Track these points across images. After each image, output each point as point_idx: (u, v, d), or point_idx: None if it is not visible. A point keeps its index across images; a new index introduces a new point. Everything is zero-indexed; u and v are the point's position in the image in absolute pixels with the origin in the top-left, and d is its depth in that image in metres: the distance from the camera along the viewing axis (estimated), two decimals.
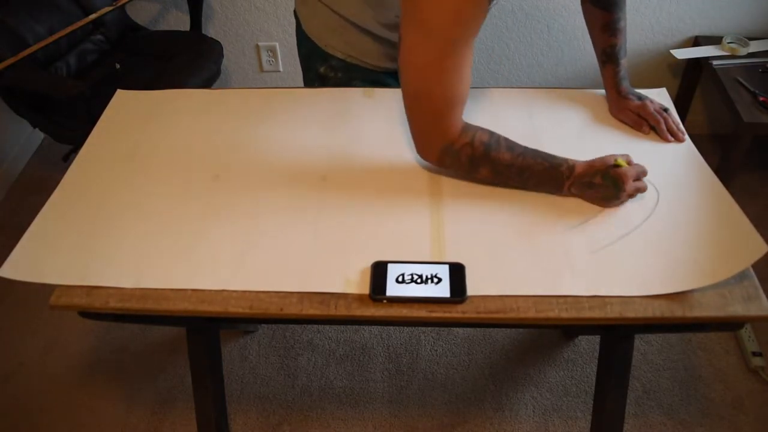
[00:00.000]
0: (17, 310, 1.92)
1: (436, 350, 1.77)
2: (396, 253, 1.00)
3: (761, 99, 1.94)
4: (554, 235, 1.03)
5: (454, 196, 1.11)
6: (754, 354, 1.69)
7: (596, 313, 0.92)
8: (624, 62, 1.26)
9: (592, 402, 1.29)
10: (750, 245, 0.97)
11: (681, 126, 1.22)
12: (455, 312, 0.92)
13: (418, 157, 1.14)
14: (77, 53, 2.14)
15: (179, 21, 2.42)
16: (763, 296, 0.92)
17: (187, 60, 2.16)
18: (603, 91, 1.33)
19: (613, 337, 1.15)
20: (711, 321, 0.93)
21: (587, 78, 2.44)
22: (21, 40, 1.95)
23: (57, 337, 1.84)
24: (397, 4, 0.97)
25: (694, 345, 1.75)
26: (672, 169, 1.15)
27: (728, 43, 2.17)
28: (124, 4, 2.23)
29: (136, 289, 0.97)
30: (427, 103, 1.01)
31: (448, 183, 1.13)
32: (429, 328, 1.81)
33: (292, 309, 0.94)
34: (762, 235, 0.99)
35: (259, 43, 2.46)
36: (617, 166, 1.04)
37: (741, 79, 2.03)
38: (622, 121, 1.26)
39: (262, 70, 2.54)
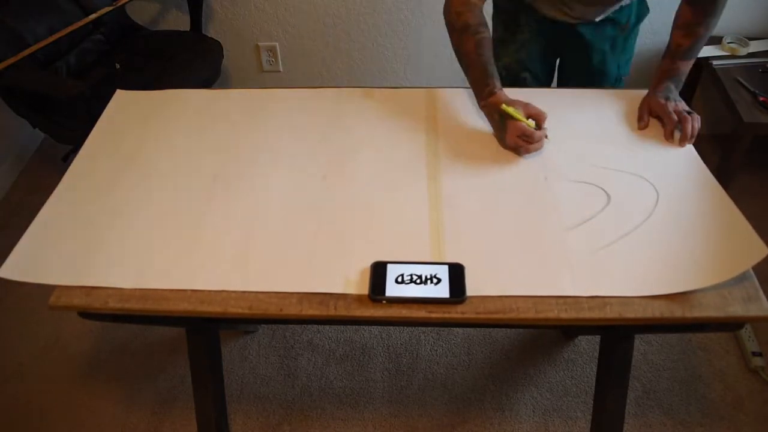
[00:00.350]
0: (17, 310, 1.92)
1: (436, 350, 1.77)
2: (396, 254, 1.00)
3: (761, 99, 1.94)
4: (554, 235, 1.03)
5: (454, 196, 1.11)
6: (754, 354, 1.69)
7: (596, 314, 0.91)
8: (682, 64, 1.26)
9: (592, 402, 1.29)
10: (750, 247, 0.97)
11: (694, 133, 1.20)
12: (455, 312, 0.92)
13: (418, 157, 1.14)
14: (77, 53, 2.14)
15: (179, 21, 2.42)
16: (763, 297, 0.92)
17: (187, 60, 2.16)
18: (602, 92, 1.33)
19: (613, 338, 1.15)
20: (711, 321, 0.93)
21: None
22: (21, 40, 1.95)
23: (57, 337, 1.84)
24: None
25: (694, 345, 1.75)
26: (672, 169, 1.15)
27: (728, 43, 2.17)
28: (124, 4, 2.23)
29: (135, 289, 0.97)
30: None
31: (448, 183, 1.13)
32: (429, 328, 1.81)
33: (292, 309, 0.94)
34: (762, 235, 0.99)
35: (259, 43, 2.45)
36: (515, 118, 1.14)
37: (741, 79, 2.03)
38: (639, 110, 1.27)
39: (262, 70, 2.54)
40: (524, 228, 1.04)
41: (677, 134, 1.20)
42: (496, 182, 1.13)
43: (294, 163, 1.19)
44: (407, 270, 0.96)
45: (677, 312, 0.91)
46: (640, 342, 1.76)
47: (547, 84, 1.62)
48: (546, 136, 1.18)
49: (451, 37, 1.25)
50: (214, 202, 1.11)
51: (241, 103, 1.35)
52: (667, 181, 1.12)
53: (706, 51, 2.18)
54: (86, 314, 1.03)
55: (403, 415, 1.62)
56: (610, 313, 0.91)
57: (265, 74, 2.55)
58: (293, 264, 1.00)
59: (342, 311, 0.93)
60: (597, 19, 1.40)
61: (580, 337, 1.78)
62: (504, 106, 1.14)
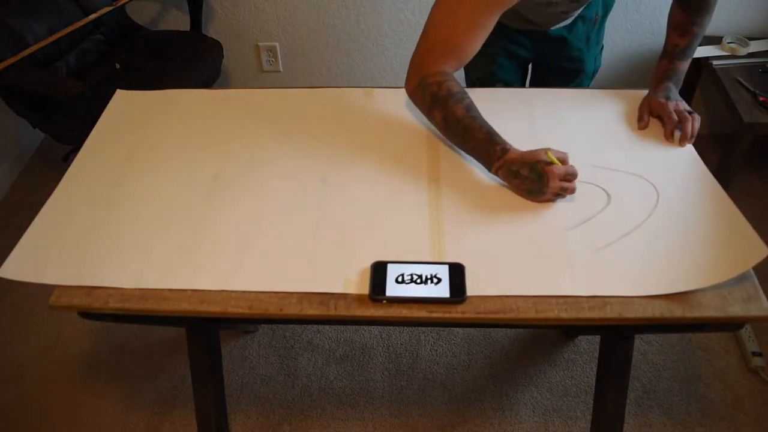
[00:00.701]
0: (17, 310, 1.92)
1: (436, 350, 1.77)
2: (396, 254, 1.00)
3: (761, 99, 1.94)
4: (554, 235, 1.03)
5: (453, 196, 1.11)
6: (754, 354, 1.69)
7: (596, 314, 0.91)
8: (680, 64, 1.26)
9: (592, 402, 1.29)
10: (750, 247, 0.97)
11: (694, 133, 1.20)
12: (455, 312, 0.92)
13: (418, 156, 1.14)
14: (77, 53, 2.14)
15: (179, 21, 2.42)
16: (763, 297, 0.92)
17: (187, 60, 2.16)
18: (602, 92, 1.33)
19: (613, 338, 1.15)
20: (711, 321, 0.93)
21: None
22: (21, 40, 1.95)
23: (57, 337, 1.84)
24: None
25: (694, 345, 1.75)
26: (672, 169, 1.15)
27: (728, 43, 2.17)
28: (124, 4, 2.23)
29: (135, 289, 0.97)
30: (429, 38, 1.14)
31: (448, 183, 1.13)
32: (429, 328, 1.81)
33: (292, 309, 0.94)
34: (762, 235, 0.99)
35: (259, 43, 2.46)
36: (550, 162, 1.05)
37: (741, 79, 2.03)
38: (639, 110, 1.27)
39: (262, 70, 2.54)
40: (524, 228, 1.04)
41: (677, 134, 1.20)
42: (496, 182, 1.13)
43: (294, 163, 1.19)
44: (407, 270, 0.96)
45: (677, 312, 0.91)
46: (640, 342, 1.76)
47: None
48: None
49: (432, 110, 1.15)
50: (215, 202, 1.11)
51: (241, 103, 1.35)
52: (667, 181, 1.12)
53: (706, 51, 2.18)
54: (86, 314, 1.03)
55: (403, 415, 1.62)
56: (610, 313, 0.91)
57: (265, 74, 2.55)
58: (293, 264, 1.00)
59: (342, 311, 0.93)
60: (569, 21, 1.40)
61: (580, 337, 1.78)
62: (549, 155, 1.04)
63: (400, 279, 0.95)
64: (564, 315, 0.92)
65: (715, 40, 2.22)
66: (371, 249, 1.01)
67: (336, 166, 1.18)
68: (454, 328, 1.80)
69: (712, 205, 1.07)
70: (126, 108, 1.36)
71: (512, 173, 1.07)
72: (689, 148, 1.20)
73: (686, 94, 2.39)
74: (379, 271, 0.96)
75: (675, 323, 0.94)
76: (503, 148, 1.08)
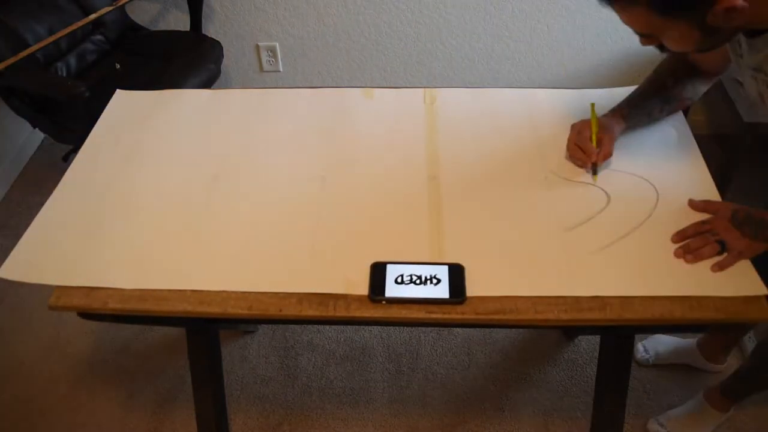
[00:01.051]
0: (17, 310, 1.92)
1: (436, 350, 1.77)
2: (395, 254, 1.00)
3: None
4: (554, 235, 1.03)
5: (453, 196, 1.11)
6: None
7: (596, 314, 0.91)
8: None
9: (592, 402, 1.29)
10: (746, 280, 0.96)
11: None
12: (454, 313, 0.92)
13: (418, 156, 1.14)
14: (77, 53, 2.13)
15: (179, 21, 2.42)
16: (763, 297, 0.92)
17: (187, 60, 2.15)
18: (602, 91, 1.33)
19: (613, 338, 1.15)
20: (711, 322, 0.93)
21: (587, 79, 2.44)
22: (21, 40, 1.95)
23: (57, 337, 1.84)
24: None
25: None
26: (672, 170, 1.15)
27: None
28: (124, 4, 2.23)
29: (135, 289, 0.97)
30: None
31: (447, 183, 1.13)
32: (429, 328, 1.81)
33: (292, 310, 0.94)
34: None
35: (259, 43, 2.45)
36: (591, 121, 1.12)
37: (741, 80, 2.03)
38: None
39: (262, 70, 2.54)
40: (524, 228, 1.04)
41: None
42: (496, 182, 1.13)
43: (294, 162, 1.19)
44: (407, 270, 0.96)
45: (677, 312, 0.91)
46: (640, 342, 1.76)
47: None
48: (595, 173, 1.13)
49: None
50: (214, 201, 1.11)
51: (241, 103, 1.35)
52: (667, 181, 1.12)
53: None
54: (86, 315, 1.03)
55: (403, 415, 1.62)
56: (610, 313, 0.91)
57: (265, 74, 2.55)
58: (293, 264, 1.00)
59: (342, 312, 0.93)
60: None
61: (580, 338, 1.78)
62: (592, 103, 1.11)
63: (399, 279, 0.95)
64: (564, 316, 0.92)
65: None
66: (370, 249, 1.01)
67: (336, 166, 1.18)
68: (454, 329, 1.80)
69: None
70: (126, 108, 1.36)
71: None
72: (690, 148, 1.20)
73: None
74: (378, 271, 0.96)
75: (675, 324, 0.94)
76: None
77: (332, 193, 1.12)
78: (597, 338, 1.70)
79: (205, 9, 2.31)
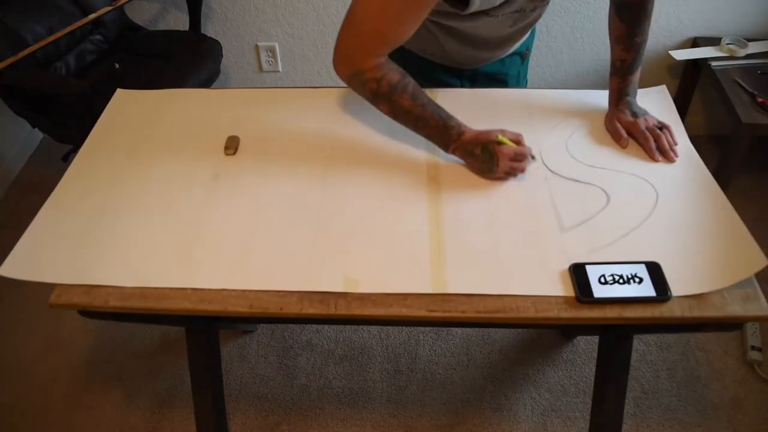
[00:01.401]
0: (17, 309, 1.92)
1: (435, 350, 1.77)
2: (396, 252, 1.00)
3: (760, 100, 1.94)
4: (554, 235, 1.03)
5: (453, 195, 1.11)
6: (753, 348, 1.70)
7: (595, 314, 0.92)
8: (632, 78, 1.24)
9: (591, 402, 1.29)
10: (749, 255, 0.97)
11: (674, 147, 1.19)
12: (455, 312, 0.92)
13: (418, 156, 1.14)
14: (76, 53, 2.14)
15: (178, 21, 2.42)
16: (762, 296, 0.93)
17: (187, 60, 2.16)
18: (602, 92, 1.33)
19: (612, 338, 1.15)
20: (709, 321, 0.93)
21: (587, 79, 2.44)
22: (21, 40, 1.95)
23: (56, 336, 1.84)
24: None
25: (693, 345, 1.76)
26: (671, 170, 1.15)
27: (727, 44, 2.18)
28: (123, 4, 2.23)
29: (135, 288, 0.97)
30: (357, 28, 1.06)
31: (447, 182, 1.13)
32: (428, 328, 1.81)
33: (292, 308, 0.94)
34: (760, 235, 0.99)
35: (259, 43, 2.46)
36: (500, 142, 1.10)
37: (739, 81, 2.04)
38: (609, 131, 1.24)
39: (261, 70, 2.54)
40: (524, 228, 1.05)
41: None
42: (496, 182, 1.13)
43: (294, 161, 1.19)
44: (607, 270, 0.95)
45: (676, 312, 0.91)
46: (638, 342, 1.76)
47: None
48: (533, 156, 1.14)
49: (376, 103, 1.13)
50: (215, 200, 1.11)
51: (240, 103, 1.35)
52: (666, 181, 1.12)
53: (705, 52, 2.18)
54: (86, 313, 1.03)
55: (402, 415, 1.62)
56: (610, 313, 0.92)
57: (264, 74, 2.55)
58: (293, 263, 1.00)
59: (342, 310, 0.93)
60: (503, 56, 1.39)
61: (578, 338, 1.78)
62: (500, 137, 1.10)
63: (602, 280, 0.95)
64: (563, 315, 0.92)
65: (713, 42, 2.23)
66: (371, 248, 1.01)
67: (336, 165, 1.18)
68: (453, 329, 1.81)
69: (711, 206, 1.07)
70: (126, 107, 1.36)
71: (467, 153, 1.13)
72: (689, 148, 1.20)
73: (685, 95, 2.40)
74: (579, 273, 0.96)
75: (673, 323, 0.94)
76: (458, 131, 1.12)
77: (333, 191, 1.12)
78: (595, 338, 1.70)
79: (204, 9, 2.31)
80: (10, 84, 1.91)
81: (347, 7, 1.05)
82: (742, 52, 2.15)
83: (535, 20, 1.26)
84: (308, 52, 2.47)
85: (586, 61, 2.40)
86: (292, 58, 2.49)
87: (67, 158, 2.15)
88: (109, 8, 2.18)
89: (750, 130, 1.90)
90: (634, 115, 1.22)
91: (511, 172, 1.12)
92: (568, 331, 1.77)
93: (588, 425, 1.33)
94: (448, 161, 1.18)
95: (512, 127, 1.15)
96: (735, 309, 0.91)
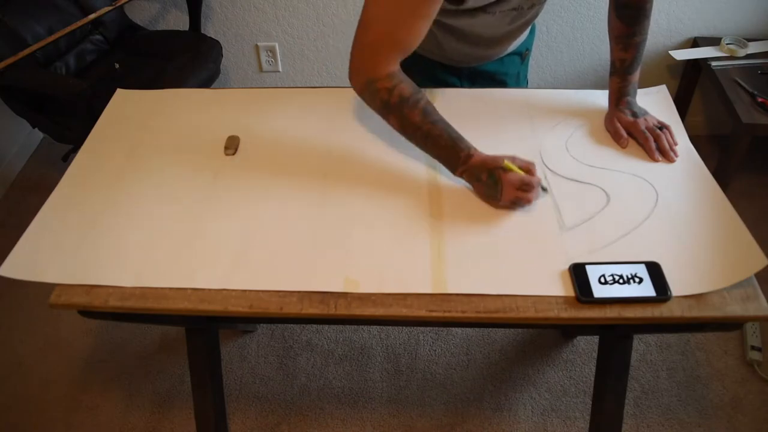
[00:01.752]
0: (17, 309, 1.92)
1: (435, 350, 1.77)
2: (396, 252, 1.00)
3: (760, 100, 1.94)
4: (554, 235, 1.03)
5: (454, 194, 1.11)
6: (753, 348, 1.70)
7: (595, 314, 0.92)
8: (632, 77, 1.24)
9: (591, 402, 1.29)
10: (749, 255, 0.97)
11: (674, 147, 1.19)
12: (455, 312, 0.92)
13: (419, 155, 1.14)
14: (76, 53, 2.14)
15: (178, 21, 2.42)
16: (762, 296, 0.93)
17: (187, 60, 2.16)
18: (602, 92, 1.33)
19: (612, 338, 1.15)
20: (709, 321, 0.93)
21: (587, 79, 2.45)
22: (21, 40, 1.95)
23: (56, 336, 1.84)
24: None
25: (693, 345, 1.76)
26: (671, 170, 1.15)
27: (727, 44, 2.18)
28: (123, 4, 2.23)
29: (135, 288, 0.97)
30: (371, 35, 1.05)
31: (447, 183, 1.13)
32: (428, 328, 1.81)
33: (292, 308, 0.94)
34: (760, 235, 0.99)
35: (259, 44, 2.46)
36: (507, 168, 1.05)
37: (739, 80, 2.04)
38: (608, 131, 1.24)
39: (261, 70, 2.54)
40: (524, 228, 1.05)
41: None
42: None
43: (294, 161, 1.19)
44: (607, 270, 0.95)
45: (676, 312, 0.91)
46: (638, 342, 1.76)
47: None
48: (544, 188, 1.11)
49: (386, 116, 1.10)
50: (215, 200, 1.11)
51: (240, 103, 1.35)
52: (666, 181, 1.12)
53: (705, 52, 2.18)
54: (86, 313, 1.03)
55: (402, 415, 1.62)
56: (610, 313, 0.92)
57: (264, 74, 2.55)
58: (293, 263, 1.00)
59: (343, 310, 0.93)
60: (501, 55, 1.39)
61: (578, 338, 1.78)
62: (506, 162, 1.05)
63: (602, 280, 0.94)
64: (563, 314, 0.92)
65: (713, 42, 2.23)
66: (371, 248, 1.01)
67: (336, 164, 1.18)
68: (453, 329, 1.81)
69: (711, 207, 1.07)
70: (126, 107, 1.36)
71: (474, 177, 1.08)
72: (689, 148, 1.20)
73: (685, 94, 2.40)
74: (579, 273, 0.95)
75: (673, 323, 0.94)
76: (467, 153, 1.08)
77: (333, 190, 1.13)
78: (595, 339, 1.70)
79: (204, 9, 2.31)
80: (10, 84, 1.91)
81: (347, 7, 1.05)
82: (742, 52, 2.15)
83: (533, 18, 1.26)
84: (308, 52, 2.47)
85: (586, 61, 2.40)
86: (292, 58, 2.49)
87: (67, 158, 2.15)
88: (109, 8, 2.18)
89: (750, 130, 1.90)
90: (634, 115, 1.22)
91: (517, 202, 1.07)
92: (568, 331, 1.77)
93: (588, 425, 1.34)
94: None
95: (512, 127, 1.15)
96: (735, 309, 0.91)
